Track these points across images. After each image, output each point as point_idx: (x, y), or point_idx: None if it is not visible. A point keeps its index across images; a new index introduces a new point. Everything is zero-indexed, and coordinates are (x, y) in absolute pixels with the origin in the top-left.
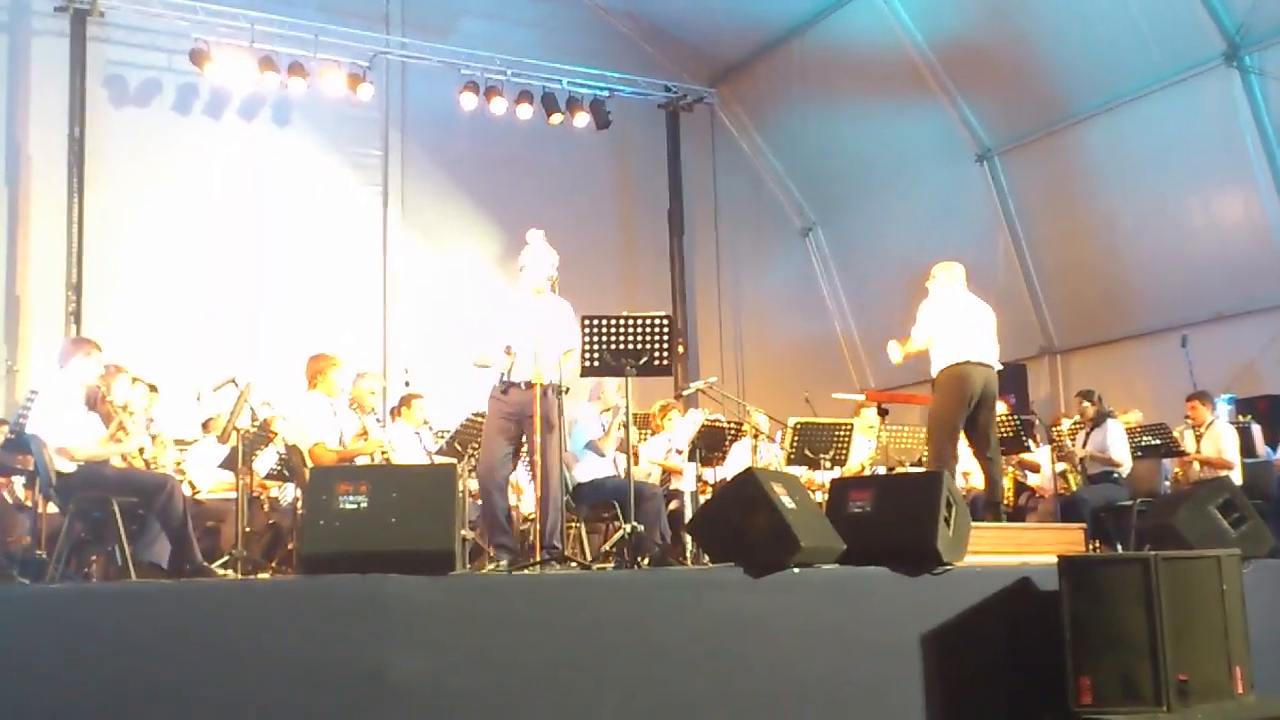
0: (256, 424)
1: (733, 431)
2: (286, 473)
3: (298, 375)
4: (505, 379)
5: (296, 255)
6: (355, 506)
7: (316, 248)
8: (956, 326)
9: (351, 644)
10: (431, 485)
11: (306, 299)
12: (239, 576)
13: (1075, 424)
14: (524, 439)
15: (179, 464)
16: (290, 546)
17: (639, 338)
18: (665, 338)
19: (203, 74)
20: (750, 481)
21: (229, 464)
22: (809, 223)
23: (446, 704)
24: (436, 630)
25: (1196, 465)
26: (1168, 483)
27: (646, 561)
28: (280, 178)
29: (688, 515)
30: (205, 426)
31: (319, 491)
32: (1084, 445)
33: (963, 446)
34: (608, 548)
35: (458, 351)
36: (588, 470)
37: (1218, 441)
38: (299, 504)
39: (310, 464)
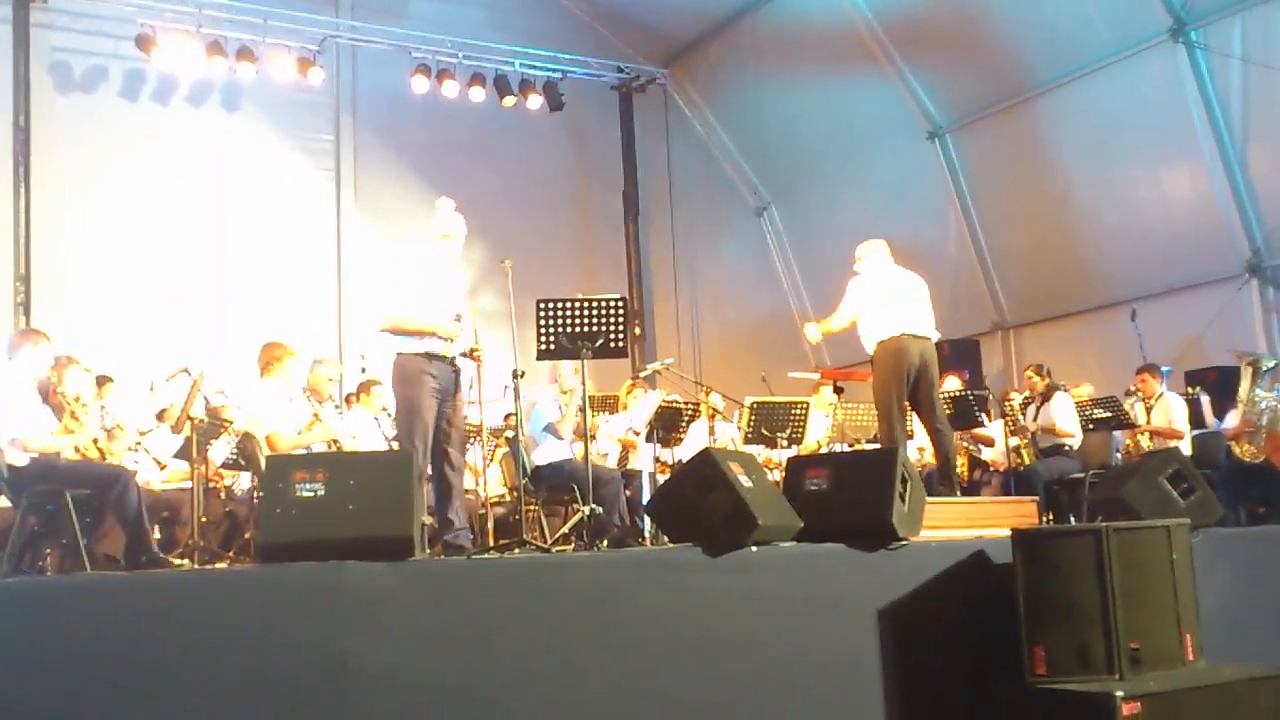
0: (210, 412)
1: (690, 412)
2: (242, 461)
3: (252, 363)
4: (446, 352)
5: (249, 242)
6: (312, 494)
7: (269, 234)
8: (886, 301)
9: (311, 632)
10: (389, 471)
11: (260, 286)
12: (196, 567)
13: (1026, 398)
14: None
15: (138, 445)
16: (247, 536)
17: (595, 320)
18: (621, 320)
19: (150, 60)
20: (708, 461)
21: (184, 454)
22: (763, 202)
23: (408, 689)
24: (397, 616)
25: (1146, 437)
26: (1119, 455)
27: (605, 543)
28: (231, 164)
29: (646, 497)
30: (160, 416)
31: (275, 480)
32: (1035, 419)
33: (917, 422)
34: (566, 530)
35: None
36: (546, 453)
37: (1167, 413)
38: (255, 493)
39: (266, 452)
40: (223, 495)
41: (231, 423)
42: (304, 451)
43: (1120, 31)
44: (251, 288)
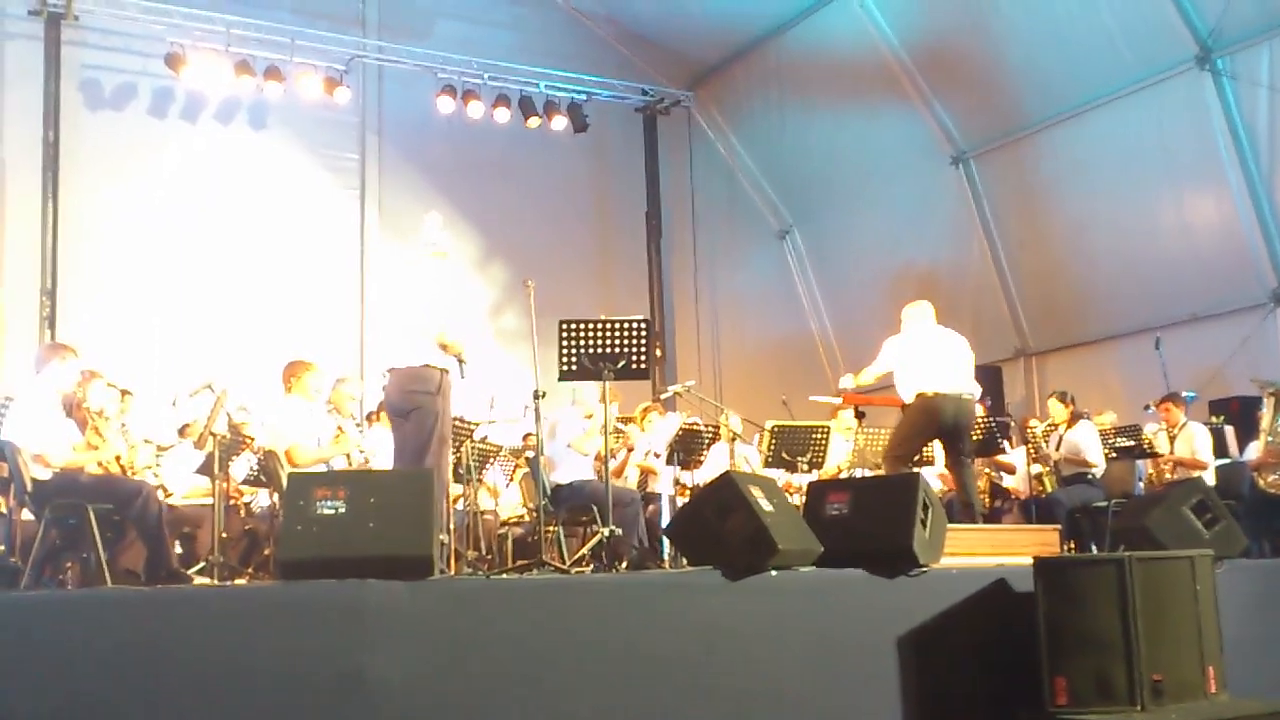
0: (232, 429)
1: (710, 435)
2: (264, 478)
3: (274, 380)
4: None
5: (273, 259)
6: (333, 512)
7: (293, 252)
8: (925, 358)
9: (329, 650)
10: (410, 490)
11: (284, 303)
12: (216, 583)
13: (1049, 425)
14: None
15: (151, 467)
16: (267, 552)
17: (617, 342)
18: (643, 341)
19: (178, 77)
20: (728, 485)
21: (205, 469)
22: (786, 225)
23: (425, 709)
24: (415, 635)
25: (1169, 466)
26: (1142, 484)
27: (624, 565)
28: (257, 181)
29: (665, 519)
30: (182, 432)
31: (296, 497)
32: (1058, 447)
33: (937, 448)
34: (585, 551)
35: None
36: (567, 473)
37: (1191, 442)
38: (276, 509)
39: (287, 468)
40: (242, 512)
41: (253, 439)
42: (325, 467)
43: (1146, 59)
44: (275, 305)
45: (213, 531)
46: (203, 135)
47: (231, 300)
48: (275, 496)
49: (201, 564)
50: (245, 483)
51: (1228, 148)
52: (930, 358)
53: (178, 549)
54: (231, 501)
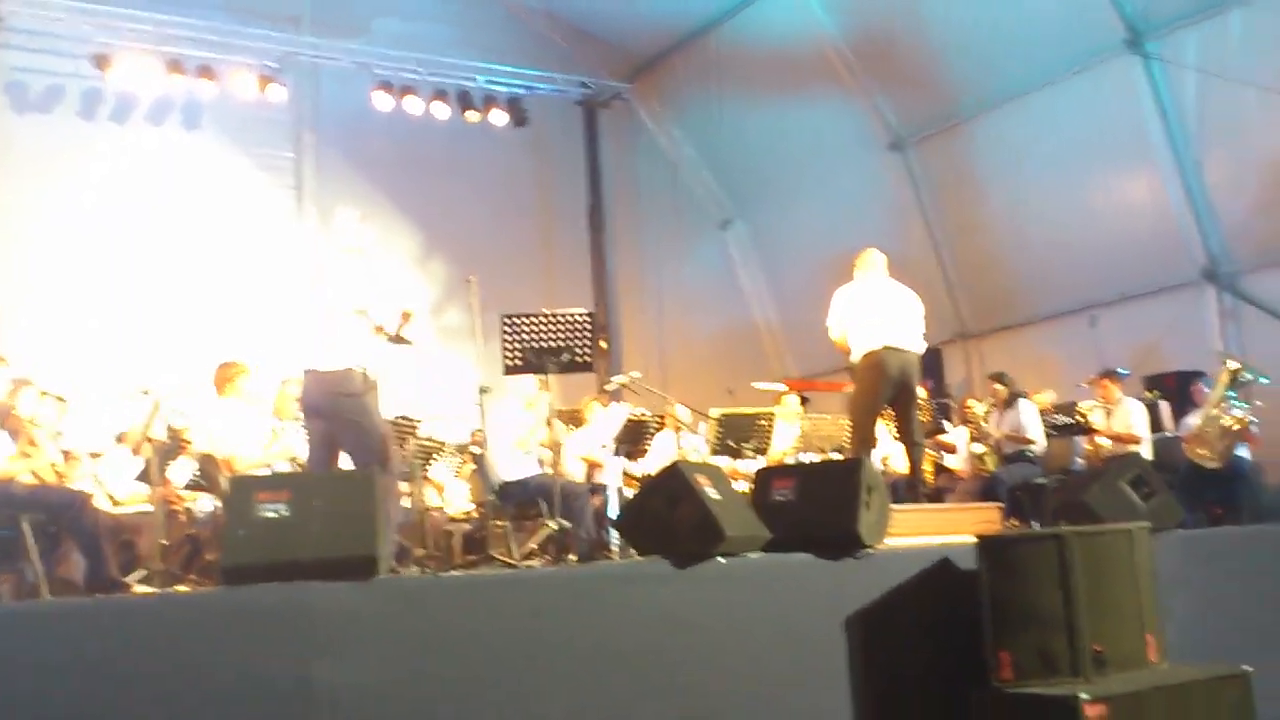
0: (170, 434)
1: (656, 425)
2: (204, 483)
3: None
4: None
5: (210, 261)
6: (276, 515)
7: (230, 253)
8: (867, 313)
9: (276, 655)
10: (354, 491)
11: (221, 305)
12: (157, 591)
13: (989, 405)
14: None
15: (94, 475)
16: (209, 558)
17: (561, 335)
18: (587, 334)
19: (107, 79)
20: (674, 474)
21: (144, 476)
22: (728, 215)
23: (375, 710)
24: (362, 637)
25: (1107, 442)
26: (1080, 460)
27: (574, 558)
28: (191, 182)
29: (613, 510)
30: (119, 439)
31: (238, 501)
32: (998, 426)
33: (883, 430)
34: (534, 545)
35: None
36: (514, 467)
37: (1127, 418)
38: (218, 514)
39: (226, 473)
40: (184, 518)
41: (191, 444)
42: (266, 471)
43: (1078, 44)
44: (212, 307)
45: (152, 538)
46: (134, 136)
47: (167, 303)
48: (217, 501)
49: (142, 571)
50: (186, 488)
51: (1158, 130)
52: (875, 313)
53: (119, 557)
54: (172, 507)
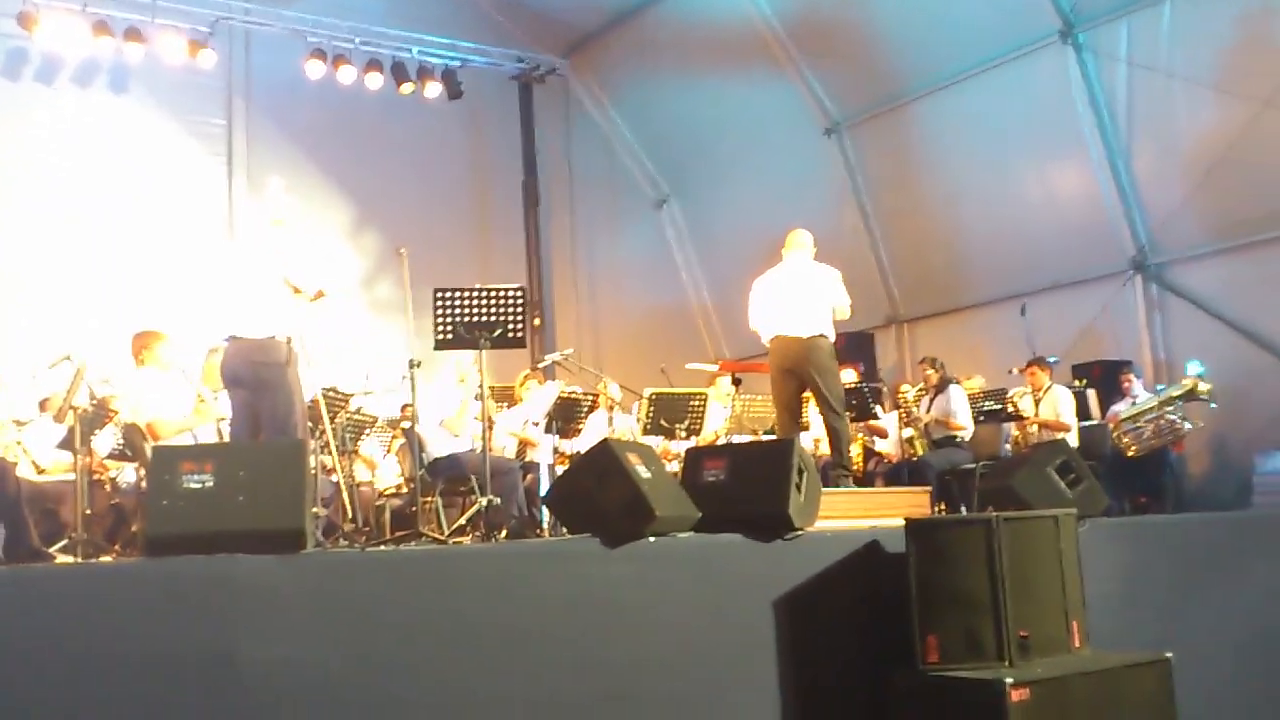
0: (94, 402)
1: (589, 403)
2: (129, 452)
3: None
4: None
5: (137, 227)
6: (200, 486)
7: (158, 219)
8: (769, 304)
9: (199, 627)
10: (281, 462)
11: (148, 272)
12: (79, 560)
13: (920, 390)
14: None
15: (19, 442)
16: (134, 529)
17: (493, 310)
18: (520, 310)
19: (31, 38)
20: (605, 452)
21: (67, 444)
22: (663, 194)
23: (298, 684)
24: (288, 611)
25: (1035, 428)
26: (1008, 446)
27: (503, 534)
28: (119, 147)
29: (544, 488)
30: (42, 406)
31: (162, 471)
32: (928, 411)
33: (815, 414)
34: (464, 521)
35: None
36: (443, 445)
37: (1055, 405)
38: (141, 484)
39: (151, 441)
40: (108, 487)
41: (117, 413)
42: (191, 439)
43: (1011, 32)
44: (139, 274)
45: (76, 508)
46: (60, 98)
47: (93, 269)
48: (141, 471)
49: (64, 541)
50: (110, 457)
51: (1088, 120)
52: (772, 303)
53: (41, 526)
54: (96, 476)
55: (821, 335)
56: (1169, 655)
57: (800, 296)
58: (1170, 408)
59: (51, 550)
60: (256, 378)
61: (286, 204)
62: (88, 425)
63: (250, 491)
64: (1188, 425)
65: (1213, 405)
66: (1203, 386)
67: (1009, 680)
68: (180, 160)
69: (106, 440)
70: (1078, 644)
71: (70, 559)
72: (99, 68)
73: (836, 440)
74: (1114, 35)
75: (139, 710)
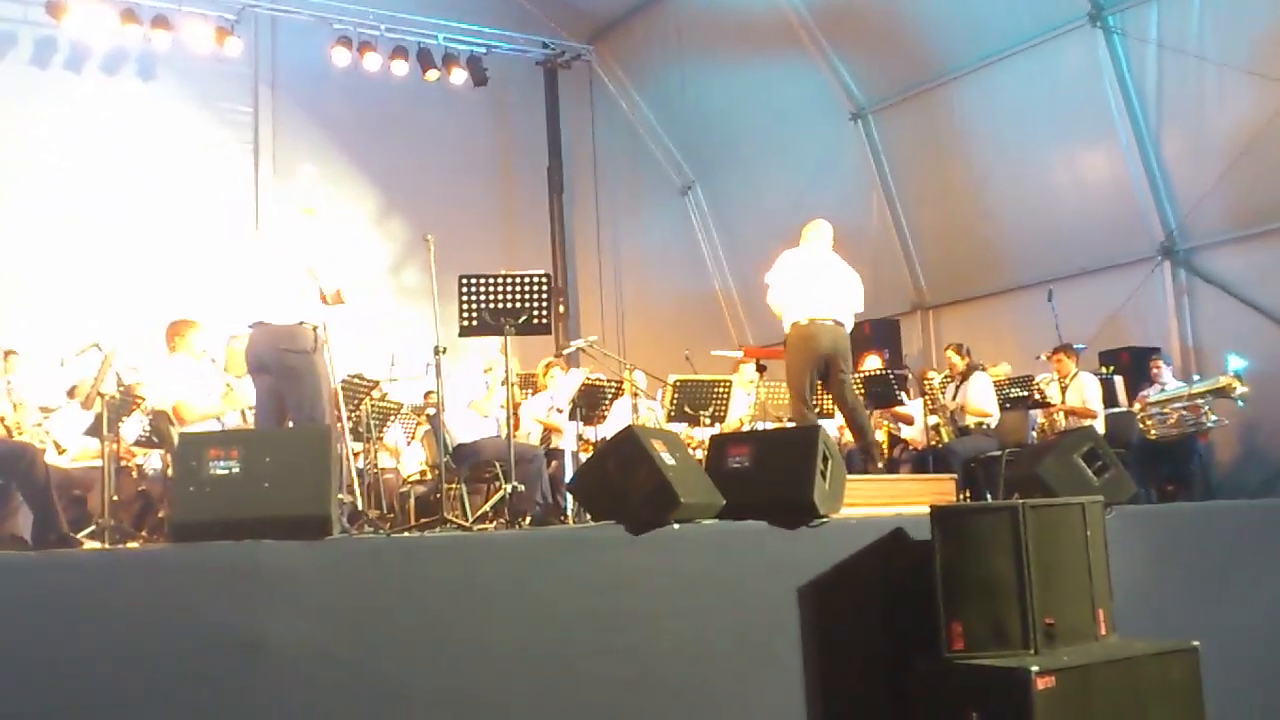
0: (122, 389)
1: (613, 390)
2: (156, 439)
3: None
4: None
5: (164, 214)
6: (227, 472)
7: (185, 206)
8: (802, 285)
9: (226, 612)
10: (306, 448)
11: (175, 259)
12: (107, 546)
13: (946, 377)
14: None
15: (40, 424)
16: (160, 515)
17: (518, 296)
18: (545, 296)
19: (60, 26)
20: (630, 439)
21: (94, 431)
22: (688, 181)
23: (324, 669)
24: (313, 596)
25: (1061, 415)
26: (1035, 433)
27: (527, 521)
28: (146, 134)
29: (568, 475)
30: (70, 393)
31: (189, 457)
32: (954, 397)
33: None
34: (488, 508)
35: (331, 312)
36: (468, 431)
37: (1081, 392)
38: (168, 471)
39: (177, 425)
40: (135, 474)
41: (144, 400)
42: (217, 425)
43: (1040, 16)
44: (166, 261)
45: (103, 494)
46: (88, 86)
47: (121, 256)
48: (168, 457)
49: (92, 527)
50: (137, 444)
51: (1118, 104)
52: (810, 283)
53: (67, 513)
54: (123, 463)
55: (847, 325)
56: (1196, 644)
57: (835, 284)
58: (1200, 400)
59: (79, 536)
60: (283, 364)
61: (318, 192)
62: (115, 412)
63: (276, 478)
64: (1213, 419)
65: (1241, 405)
66: (1238, 389)
67: (1034, 668)
68: (207, 148)
69: (134, 427)
70: (1104, 632)
71: (98, 545)
72: (126, 56)
73: (866, 426)
74: (1144, 18)
75: (166, 694)
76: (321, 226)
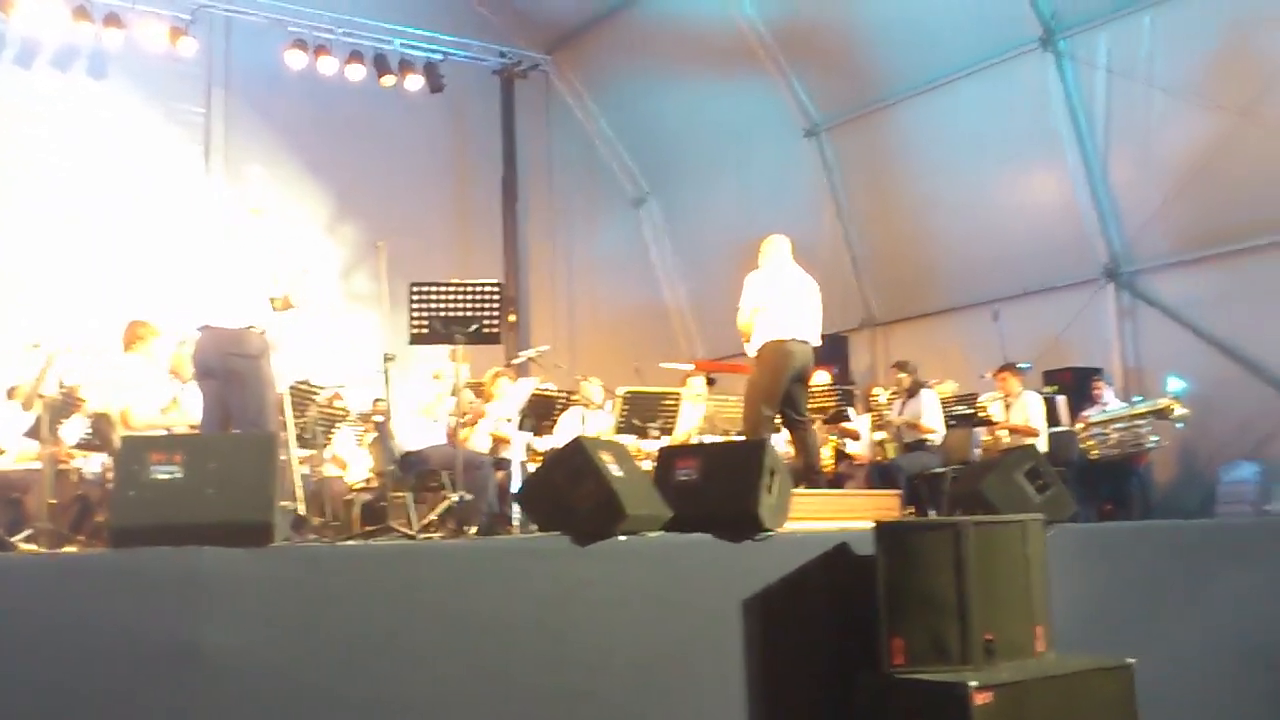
0: (63, 391)
1: (563, 401)
2: (97, 442)
3: (110, 340)
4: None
5: (112, 215)
6: (169, 477)
7: (134, 207)
8: (782, 302)
9: (165, 619)
10: (250, 454)
11: (122, 260)
12: (44, 550)
13: (892, 394)
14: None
15: None
16: (99, 519)
17: (469, 305)
18: (496, 305)
19: (9, 19)
20: (578, 450)
21: (34, 432)
22: (642, 193)
23: (265, 678)
24: (255, 604)
25: (1005, 433)
26: (978, 450)
27: (474, 531)
28: (97, 132)
29: (516, 485)
30: (10, 393)
31: (130, 461)
32: (900, 414)
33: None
34: (434, 517)
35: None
36: (416, 439)
37: (1025, 411)
38: (108, 474)
39: (122, 430)
40: (74, 477)
41: (85, 401)
42: (162, 432)
43: (992, 39)
44: (114, 261)
45: (40, 497)
46: (38, 82)
47: (69, 255)
48: (107, 461)
49: (29, 531)
50: (77, 446)
51: (1066, 127)
52: (786, 303)
53: (5, 515)
54: (61, 465)
55: (815, 344)
56: (1131, 661)
57: (810, 304)
58: (1141, 421)
59: (15, 540)
60: (228, 369)
61: (266, 192)
62: (55, 414)
63: (219, 483)
64: (1153, 440)
65: (1180, 426)
66: (1178, 410)
67: (973, 683)
68: (158, 148)
69: (75, 429)
70: (1042, 649)
71: (34, 548)
72: (78, 53)
73: (813, 444)
74: (1094, 43)
75: (103, 702)
76: (270, 228)
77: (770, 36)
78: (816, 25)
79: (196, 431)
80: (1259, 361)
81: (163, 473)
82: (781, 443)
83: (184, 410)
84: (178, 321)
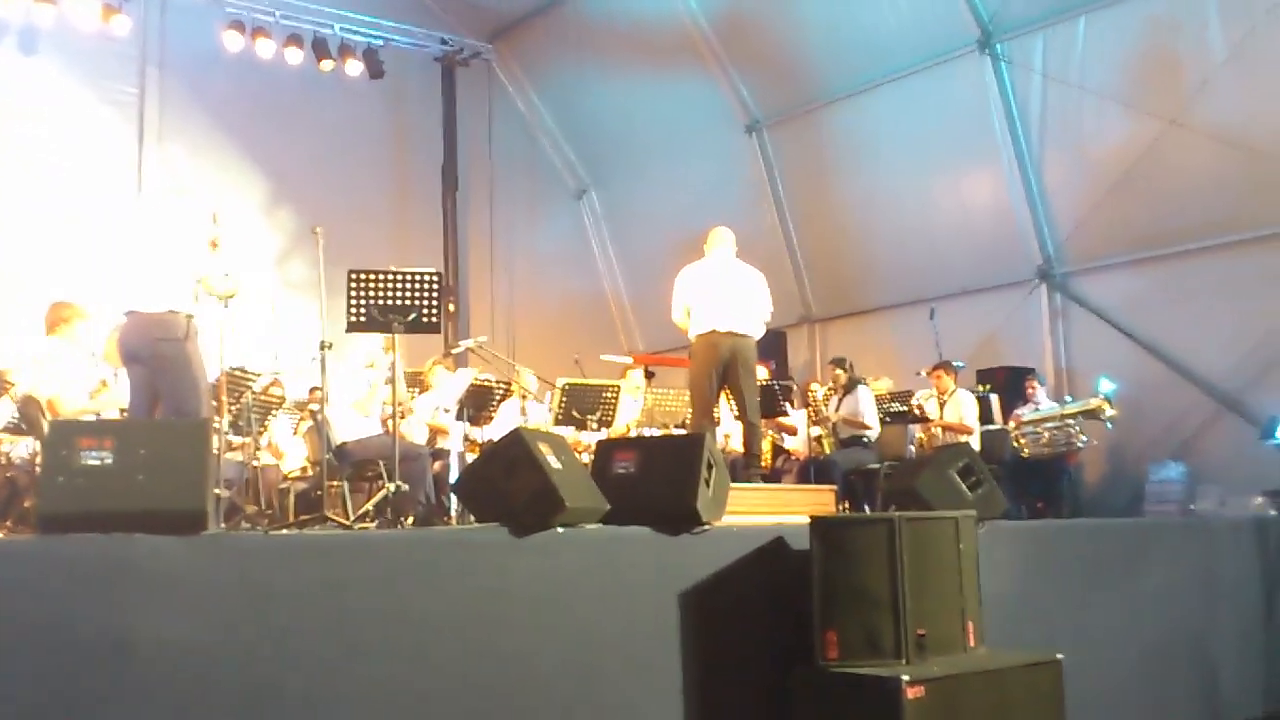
0: None
1: (501, 391)
2: (24, 426)
3: (38, 324)
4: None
5: (42, 194)
6: (99, 462)
7: (64, 187)
8: (706, 295)
9: (94, 608)
10: (183, 440)
11: (52, 241)
12: None
13: (829, 390)
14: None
15: None
16: (26, 504)
17: (408, 294)
18: (435, 295)
19: None
20: (516, 441)
21: None
22: (583, 185)
23: (196, 669)
24: (186, 593)
25: (939, 431)
26: (913, 447)
27: (410, 521)
28: (26, 110)
29: (454, 475)
30: None
31: (58, 446)
32: (836, 410)
33: (725, 409)
34: (369, 507)
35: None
36: (352, 428)
37: (959, 409)
38: (36, 459)
39: (49, 416)
40: (2, 460)
41: (13, 385)
42: (91, 418)
43: (931, 40)
44: (43, 243)
45: None
46: None
47: None
48: (36, 445)
49: None
50: (4, 430)
51: (1002, 129)
52: (711, 295)
53: None
54: None
55: (751, 335)
56: (1060, 656)
57: (734, 293)
58: (1071, 420)
59: None
60: (155, 354)
61: (202, 177)
62: None
63: (150, 470)
64: (1083, 440)
65: (1109, 427)
66: (1108, 411)
67: (905, 678)
68: (91, 127)
69: (1, 413)
70: (973, 643)
71: None
72: (7, 28)
73: (755, 438)
74: (1030, 47)
75: (30, 692)
76: (198, 210)
77: (712, 32)
78: (758, 22)
79: (126, 416)
80: (1186, 364)
81: (92, 458)
82: (719, 436)
83: (114, 394)
84: (106, 306)
